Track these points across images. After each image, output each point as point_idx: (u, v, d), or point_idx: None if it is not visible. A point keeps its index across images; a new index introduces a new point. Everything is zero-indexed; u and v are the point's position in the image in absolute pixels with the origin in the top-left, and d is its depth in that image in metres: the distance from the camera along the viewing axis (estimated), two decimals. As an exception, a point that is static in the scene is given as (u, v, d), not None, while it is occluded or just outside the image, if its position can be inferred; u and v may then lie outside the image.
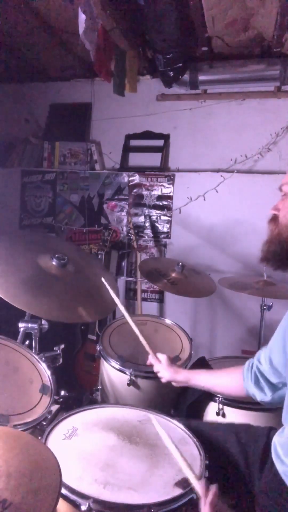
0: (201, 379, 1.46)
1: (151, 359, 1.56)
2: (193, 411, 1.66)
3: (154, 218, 3.17)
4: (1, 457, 0.81)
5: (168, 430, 1.31)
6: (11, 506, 0.71)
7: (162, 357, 1.54)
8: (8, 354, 1.50)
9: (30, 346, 1.70)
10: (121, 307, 1.67)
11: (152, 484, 1.07)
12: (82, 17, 1.94)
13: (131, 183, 3.19)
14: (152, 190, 3.15)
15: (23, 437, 0.92)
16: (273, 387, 1.25)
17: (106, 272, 2.29)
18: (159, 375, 1.53)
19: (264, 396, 1.27)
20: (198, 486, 1.02)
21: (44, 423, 1.32)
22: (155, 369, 1.54)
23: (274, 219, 1.20)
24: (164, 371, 1.50)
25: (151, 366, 1.56)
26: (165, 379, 1.51)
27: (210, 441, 1.28)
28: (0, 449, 0.84)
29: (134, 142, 3.23)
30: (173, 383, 1.51)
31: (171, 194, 3.11)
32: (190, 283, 2.24)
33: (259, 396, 1.28)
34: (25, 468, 0.80)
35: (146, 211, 3.18)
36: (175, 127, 3.13)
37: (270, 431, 1.32)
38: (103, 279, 1.72)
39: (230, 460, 1.25)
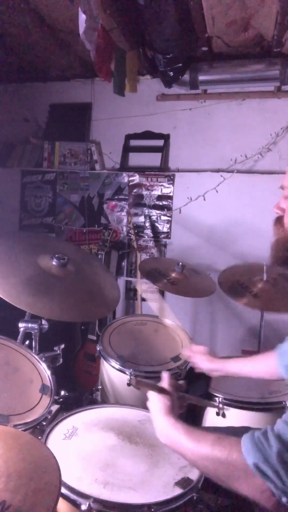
0: (237, 366, 1.47)
1: (187, 351, 1.57)
2: (193, 411, 1.66)
3: (154, 218, 3.17)
4: (1, 457, 0.81)
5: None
6: (11, 507, 0.71)
7: (199, 348, 1.55)
8: (8, 354, 1.51)
9: (30, 346, 1.70)
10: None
11: (152, 484, 1.07)
12: (82, 17, 1.94)
13: (131, 183, 3.19)
14: (152, 190, 3.15)
15: (23, 437, 0.92)
16: None
17: (107, 272, 2.29)
18: (196, 366, 1.53)
19: None
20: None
21: (44, 423, 1.32)
22: (192, 360, 1.55)
23: (279, 220, 1.18)
24: (202, 362, 1.51)
25: (189, 357, 1.57)
26: (204, 369, 1.51)
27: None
28: (0, 448, 0.84)
29: (134, 142, 3.23)
30: (209, 374, 1.51)
31: (171, 194, 3.11)
32: (190, 283, 2.24)
33: None
34: (25, 468, 0.80)
35: (146, 211, 3.18)
36: (175, 127, 3.13)
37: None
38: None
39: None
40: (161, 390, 1.14)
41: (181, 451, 0.94)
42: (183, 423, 0.98)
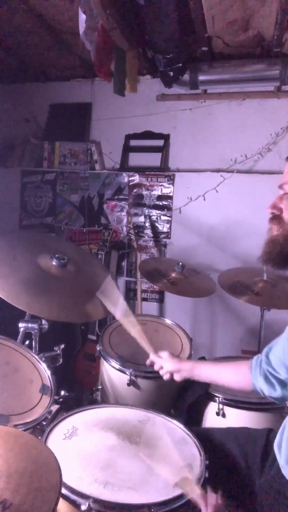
0: (205, 371, 1.44)
1: (152, 357, 1.54)
2: (193, 411, 1.66)
3: (154, 218, 3.17)
4: (1, 456, 0.81)
5: (168, 430, 1.31)
6: (12, 506, 0.71)
7: (163, 353, 1.52)
8: (8, 354, 1.50)
9: (30, 346, 1.70)
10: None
11: (152, 484, 1.07)
12: (82, 17, 1.94)
13: (131, 183, 3.19)
14: (152, 190, 3.15)
15: (23, 436, 0.92)
16: (283, 382, 1.25)
17: (107, 272, 2.30)
18: (162, 371, 1.50)
19: (273, 391, 1.25)
20: (195, 494, 1.01)
21: (44, 423, 1.32)
22: (157, 366, 1.51)
23: (276, 218, 1.17)
24: (167, 362, 1.47)
25: (152, 365, 1.54)
26: (168, 371, 1.47)
27: (210, 443, 1.28)
28: (0, 448, 0.84)
29: (134, 142, 3.23)
30: (176, 377, 1.46)
31: (171, 194, 3.11)
32: (190, 283, 2.24)
33: (267, 391, 1.26)
34: (26, 468, 0.80)
35: (146, 211, 3.18)
36: (175, 127, 3.13)
37: (269, 433, 1.32)
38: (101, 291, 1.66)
39: (230, 461, 1.25)
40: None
41: None
42: None
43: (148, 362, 1.57)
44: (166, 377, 1.49)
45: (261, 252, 1.19)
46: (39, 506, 0.73)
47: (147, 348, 1.56)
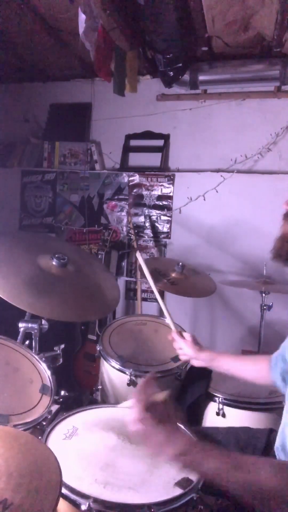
0: (226, 362, 1.44)
1: (173, 335, 1.54)
2: (193, 411, 1.66)
3: (154, 218, 3.17)
4: (1, 456, 0.81)
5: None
6: (12, 506, 0.71)
7: (187, 335, 1.52)
8: (8, 354, 1.50)
9: (30, 346, 1.70)
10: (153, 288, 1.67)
11: (152, 484, 1.07)
12: (82, 17, 1.94)
13: (131, 183, 3.19)
14: (152, 190, 3.15)
15: (24, 436, 0.92)
16: None
17: (107, 272, 2.29)
18: (181, 352, 1.50)
19: None
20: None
21: (44, 423, 1.32)
22: (177, 345, 1.51)
23: None
24: (187, 347, 1.48)
25: (173, 341, 1.54)
26: (187, 356, 1.48)
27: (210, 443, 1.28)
28: (0, 448, 0.84)
29: (134, 142, 3.23)
30: (193, 362, 1.47)
31: (171, 194, 3.11)
32: (190, 283, 2.24)
33: (283, 390, 1.26)
34: (26, 467, 0.80)
35: (146, 211, 3.18)
36: (175, 127, 3.13)
37: (270, 433, 1.32)
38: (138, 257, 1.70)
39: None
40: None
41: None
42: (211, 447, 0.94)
43: (170, 337, 1.56)
44: (182, 357, 1.51)
45: (271, 248, 1.19)
46: (39, 506, 0.73)
47: (171, 324, 1.57)
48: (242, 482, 0.86)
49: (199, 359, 1.47)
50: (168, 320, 1.59)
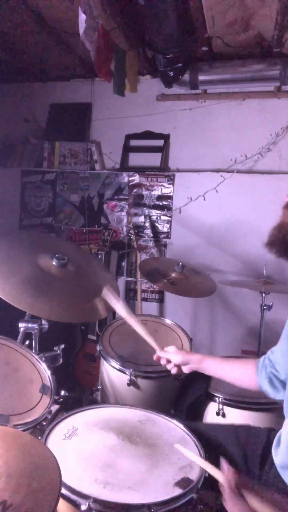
0: (213, 364, 1.42)
1: (158, 353, 1.48)
2: (193, 411, 1.66)
3: (154, 218, 3.17)
4: (1, 457, 0.81)
5: (168, 430, 1.31)
6: (12, 507, 0.71)
7: (170, 347, 1.47)
8: (8, 354, 1.50)
9: (30, 346, 1.70)
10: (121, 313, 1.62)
11: (152, 484, 1.07)
12: (82, 17, 1.94)
13: (131, 183, 3.19)
14: (152, 190, 3.15)
15: (23, 437, 0.92)
16: (285, 384, 1.25)
17: (107, 272, 2.30)
18: (169, 365, 1.45)
19: (277, 394, 1.26)
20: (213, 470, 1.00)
21: (44, 423, 1.32)
22: (164, 361, 1.46)
23: None
24: (175, 355, 1.43)
25: (159, 360, 1.48)
26: (176, 364, 1.43)
27: (209, 442, 1.28)
28: (0, 449, 0.84)
29: (134, 142, 3.23)
30: (184, 369, 1.43)
31: (171, 194, 3.11)
32: (190, 283, 2.24)
33: (272, 394, 1.27)
34: (25, 468, 0.80)
35: (146, 211, 3.18)
36: (175, 127, 3.13)
37: (270, 432, 1.32)
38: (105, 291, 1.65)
39: (230, 460, 1.25)
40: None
41: None
42: None
43: (155, 357, 1.50)
44: (173, 371, 1.45)
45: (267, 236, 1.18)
46: (39, 506, 0.73)
47: (152, 344, 1.53)
48: None
49: (190, 362, 1.43)
50: (149, 341, 1.54)
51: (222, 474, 0.97)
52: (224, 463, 0.98)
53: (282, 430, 1.19)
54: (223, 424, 1.42)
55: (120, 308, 1.55)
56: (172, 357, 1.45)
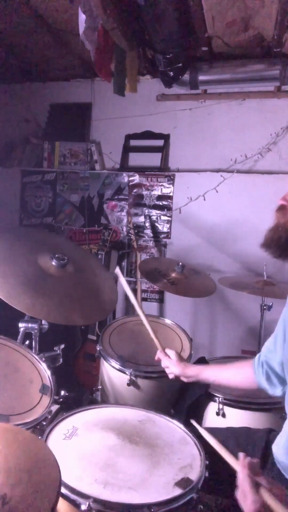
0: (211, 373, 1.46)
1: (159, 355, 1.56)
2: (193, 411, 1.66)
3: (154, 218, 3.17)
4: (1, 452, 0.81)
5: (168, 430, 1.31)
6: (11, 501, 0.71)
7: (171, 352, 1.53)
8: (8, 354, 1.50)
9: (30, 346, 1.70)
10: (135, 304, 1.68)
11: (152, 484, 1.07)
12: (82, 17, 1.94)
13: (131, 183, 3.19)
14: (152, 190, 3.15)
15: (22, 433, 0.92)
16: (282, 380, 1.26)
17: (106, 273, 2.29)
18: (168, 370, 1.52)
19: (275, 390, 1.28)
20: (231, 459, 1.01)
21: (44, 423, 1.32)
22: (164, 364, 1.53)
23: (282, 208, 1.19)
24: (174, 366, 1.49)
25: (159, 361, 1.56)
26: (174, 374, 1.50)
27: (209, 444, 1.28)
28: None
29: (134, 142, 3.23)
30: (183, 379, 1.49)
31: (171, 194, 3.11)
32: (190, 283, 2.24)
33: (270, 391, 1.30)
34: (25, 463, 0.80)
35: (146, 211, 3.18)
36: (175, 127, 3.13)
37: (269, 433, 1.32)
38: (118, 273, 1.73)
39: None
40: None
41: None
42: None
43: (156, 358, 1.58)
44: (171, 376, 1.52)
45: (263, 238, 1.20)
46: (39, 500, 0.73)
47: (155, 341, 1.58)
48: None
49: (187, 375, 1.48)
50: (154, 341, 1.60)
51: (238, 462, 0.98)
52: (241, 454, 0.99)
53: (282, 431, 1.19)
54: (222, 428, 1.42)
55: (129, 290, 1.68)
56: (170, 366, 1.50)
